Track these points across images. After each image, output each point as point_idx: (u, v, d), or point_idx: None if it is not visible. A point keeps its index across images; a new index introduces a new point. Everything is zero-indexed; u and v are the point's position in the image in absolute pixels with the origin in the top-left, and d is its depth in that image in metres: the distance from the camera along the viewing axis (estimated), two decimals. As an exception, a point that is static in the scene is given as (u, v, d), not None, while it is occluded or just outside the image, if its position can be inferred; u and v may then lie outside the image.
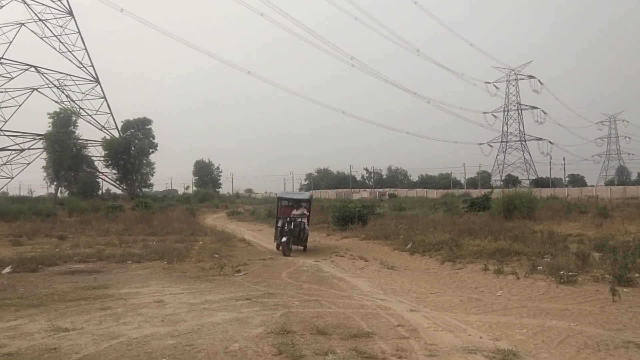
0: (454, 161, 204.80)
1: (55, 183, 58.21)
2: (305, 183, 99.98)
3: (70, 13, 58.57)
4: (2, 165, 56.09)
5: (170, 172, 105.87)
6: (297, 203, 16.91)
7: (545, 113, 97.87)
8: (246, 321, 6.65)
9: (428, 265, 12.23)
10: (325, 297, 8.42)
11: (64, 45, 58.18)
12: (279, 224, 15.65)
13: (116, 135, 59.61)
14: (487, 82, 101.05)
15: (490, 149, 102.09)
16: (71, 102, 58.32)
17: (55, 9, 57.69)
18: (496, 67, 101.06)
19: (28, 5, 55.84)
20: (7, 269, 11.04)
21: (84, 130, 66.60)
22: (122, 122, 60.78)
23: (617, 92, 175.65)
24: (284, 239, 14.82)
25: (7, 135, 54.52)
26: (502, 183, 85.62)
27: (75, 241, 17.14)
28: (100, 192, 62.94)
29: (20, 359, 5.16)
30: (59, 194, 56.78)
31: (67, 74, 57.87)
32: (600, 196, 49.58)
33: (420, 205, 38.41)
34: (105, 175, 61.09)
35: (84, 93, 59.36)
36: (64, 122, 52.02)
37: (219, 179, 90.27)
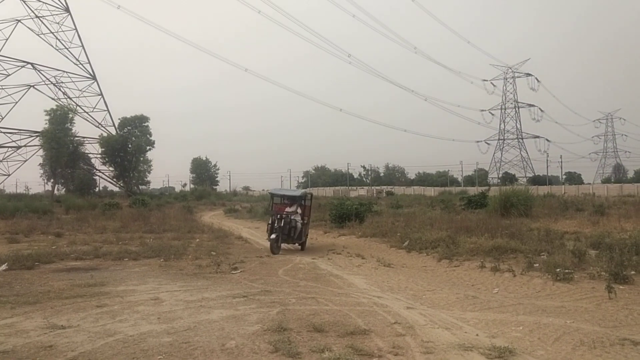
0: (451, 159, 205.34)
1: (52, 180, 58.25)
2: (303, 181, 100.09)
3: (67, 10, 58.43)
4: (-2, 162, 55.99)
5: (167, 169, 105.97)
6: (290, 200, 16.34)
7: (542, 111, 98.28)
8: (243, 319, 6.64)
9: (425, 263, 12.23)
10: (322, 294, 8.42)
11: (61, 42, 58.18)
12: (270, 221, 15.16)
13: (113, 132, 59.53)
14: (485, 80, 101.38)
15: (487, 146, 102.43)
16: (68, 99, 58.31)
17: (52, 5, 57.66)
18: (494, 65, 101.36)
19: (24, 1, 55.73)
20: (3, 267, 11.00)
21: (81, 128, 66.76)
22: (119, 119, 60.86)
23: (614, 90, 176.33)
24: (272, 236, 14.37)
25: (4, 132, 54.55)
26: (499, 181, 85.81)
27: (72, 238, 17.09)
28: (97, 189, 62.95)
29: (16, 357, 5.14)
30: (55, 191, 56.83)
31: (64, 71, 57.80)
32: (597, 194, 49.78)
33: (418, 202, 38.49)
34: (102, 173, 61.19)
35: (80, 90, 59.35)
36: (60, 119, 51.94)
37: (217, 177, 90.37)
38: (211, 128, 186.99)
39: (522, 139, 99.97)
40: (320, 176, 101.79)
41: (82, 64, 58.93)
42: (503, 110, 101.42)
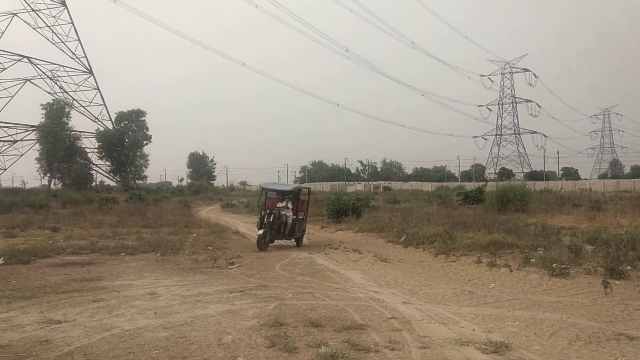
0: (448, 154, 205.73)
1: (48, 174, 58.10)
2: (300, 176, 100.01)
3: (63, 3, 58.02)
4: (-6, 156, 55.76)
5: (164, 164, 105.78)
6: (281, 195, 15.71)
7: (539, 106, 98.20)
8: (239, 313, 6.64)
9: (422, 258, 12.26)
10: (319, 289, 8.43)
11: (57, 36, 57.77)
12: (260, 216, 14.65)
13: (110, 126, 59.30)
14: (482, 75, 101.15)
15: (484, 142, 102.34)
16: (64, 93, 57.96)
17: (48, -2, 57.13)
18: (491, 60, 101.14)
19: (20, -6, 55.26)
20: (0, 261, 10.98)
21: (77, 122, 66.68)
22: (115, 113, 60.58)
23: (611, 85, 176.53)
24: (259, 232, 13.97)
25: (0, 127, 54.15)
26: (496, 176, 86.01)
27: (69, 233, 17.06)
28: (93, 184, 62.90)
29: (12, 351, 5.12)
30: (52, 186, 56.60)
31: (60, 65, 57.46)
32: (594, 189, 49.85)
33: (415, 198, 38.50)
34: (99, 167, 60.95)
35: (77, 84, 59.00)
36: (57, 113, 51.69)
37: (214, 172, 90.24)
38: (208, 122, 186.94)
39: (519, 134, 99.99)
40: (318, 171, 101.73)
41: (78, 58, 58.62)
42: (500, 106, 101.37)
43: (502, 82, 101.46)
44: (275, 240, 14.78)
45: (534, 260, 10.04)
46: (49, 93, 56.85)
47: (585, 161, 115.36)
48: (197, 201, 44.47)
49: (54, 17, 57.60)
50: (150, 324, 6.09)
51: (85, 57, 59.08)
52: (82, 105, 58.80)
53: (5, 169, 57.75)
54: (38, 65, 56.23)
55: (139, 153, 59.88)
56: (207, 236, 16.72)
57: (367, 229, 17.91)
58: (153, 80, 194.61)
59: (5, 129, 54.63)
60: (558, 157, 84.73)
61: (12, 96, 55.92)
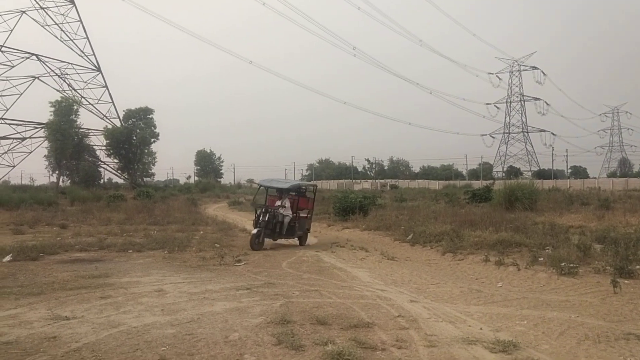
0: (455, 152, 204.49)
1: (56, 172, 58.39)
2: (307, 174, 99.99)
3: (72, 1, 58.26)
4: (3, 153, 56.18)
5: (171, 161, 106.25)
6: (279, 192, 15.01)
7: (548, 104, 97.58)
8: (246, 311, 6.65)
9: (429, 256, 12.22)
10: (326, 287, 8.42)
11: (65, 34, 58.00)
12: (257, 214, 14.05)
13: (118, 124, 59.51)
14: (490, 73, 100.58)
15: (492, 140, 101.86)
16: (72, 91, 58.26)
17: (57, -4, 57.41)
18: (499, 58, 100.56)
19: (29, -7, 55.56)
20: (8, 257, 11.06)
21: (86, 119, 66.69)
22: (123, 111, 60.72)
23: (620, 84, 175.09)
24: (253, 232, 13.50)
25: (9, 124, 54.56)
26: (503, 174, 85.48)
27: (77, 230, 17.16)
28: (101, 181, 63.08)
29: (20, 348, 5.15)
30: (60, 183, 56.92)
31: (69, 63, 57.76)
32: (602, 188, 49.51)
33: (422, 196, 38.39)
34: (107, 165, 61.17)
35: (85, 82, 59.25)
36: (65, 110, 51.92)
37: (221, 169, 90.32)
38: (215, 121, 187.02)
39: (527, 132, 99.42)
40: (325, 169, 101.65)
41: (86, 56, 58.85)
42: (508, 104, 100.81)
43: (510, 80, 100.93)
44: (278, 240, 14.40)
45: (542, 259, 9.98)
46: (58, 90, 57.22)
47: (594, 160, 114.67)
48: (205, 199, 44.55)
49: (63, 14, 57.90)
50: (158, 321, 6.11)
51: (94, 54, 59.34)
52: (90, 103, 59.09)
53: (14, 166, 58.19)
54: (46, 63, 56.58)
55: (146, 151, 60.04)
56: (214, 234, 16.76)
57: (374, 227, 17.87)
58: (160, 80, 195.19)
59: (14, 127, 55.03)
60: (566, 156, 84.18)
61: (21, 94, 56.31)
